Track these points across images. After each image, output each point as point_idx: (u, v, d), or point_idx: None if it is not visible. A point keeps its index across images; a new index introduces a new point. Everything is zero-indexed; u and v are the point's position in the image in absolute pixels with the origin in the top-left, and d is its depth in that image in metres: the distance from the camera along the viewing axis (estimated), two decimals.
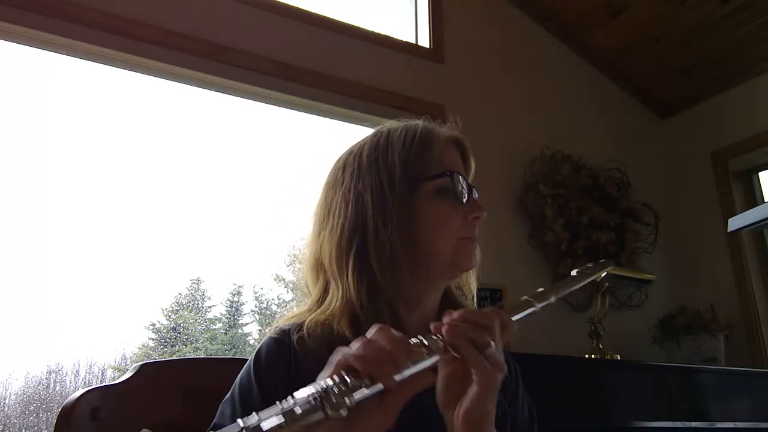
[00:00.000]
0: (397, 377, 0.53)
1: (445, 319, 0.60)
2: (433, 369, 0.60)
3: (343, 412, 0.49)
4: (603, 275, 0.79)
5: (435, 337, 0.59)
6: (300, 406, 0.48)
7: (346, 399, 0.50)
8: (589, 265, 0.81)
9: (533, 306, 0.68)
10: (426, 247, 0.76)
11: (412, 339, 0.57)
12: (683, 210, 3.12)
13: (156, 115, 2.22)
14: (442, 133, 0.83)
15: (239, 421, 0.45)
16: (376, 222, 0.75)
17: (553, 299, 0.72)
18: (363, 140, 0.85)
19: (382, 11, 2.68)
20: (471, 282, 0.86)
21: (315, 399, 0.50)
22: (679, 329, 2.54)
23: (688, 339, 2.51)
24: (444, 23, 2.69)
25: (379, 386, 0.52)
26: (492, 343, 0.61)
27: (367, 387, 0.52)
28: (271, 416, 0.47)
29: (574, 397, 1.78)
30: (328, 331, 0.73)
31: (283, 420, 0.47)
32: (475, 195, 0.81)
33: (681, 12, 2.75)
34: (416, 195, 0.77)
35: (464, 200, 0.78)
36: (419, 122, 0.84)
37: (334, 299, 0.76)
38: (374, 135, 0.84)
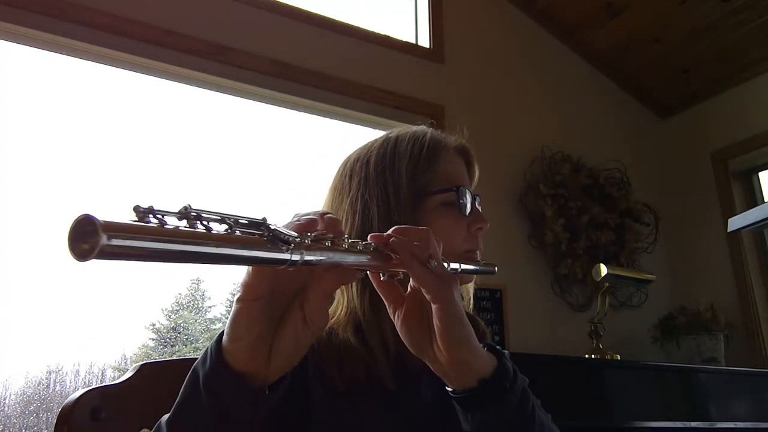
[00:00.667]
0: (327, 255, 0.48)
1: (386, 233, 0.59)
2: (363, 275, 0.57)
3: (295, 257, 0.43)
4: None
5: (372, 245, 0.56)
6: (243, 226, 0.40)
7: (299, 244, 0.43)
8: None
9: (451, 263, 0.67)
10: None
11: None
12: (683, 210, 3.12)
13: (156, 115, 2.22)
14: (449, 143, 0.83)
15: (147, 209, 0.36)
16: None
17: (459, 268, 0.70)
18: (371, 146, 0.84)
19: (382, 11, 2.68)
20: (469, 285, 0.86)
21: (263, 227, 0.41)
22: (679, 329, 2.55)
23: (688, 339, 2.51)
24: (444, 23, 2.69)
25: (327, 256, 0.47)
26: (433, 257, 0.59)
27: (311, 245, 0.46)
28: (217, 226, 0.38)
29: (574, 397, 1.78)
30: (334, 336, 0.74)
31: (226, 227, 0.39)
32: (479, 205, 0.81)
33: (681, 12, 2.75)
34: (421, 208, 0.77)
35: (468, 212, 0.79)
36: (427, 131, 0.84)
37: (340, 308, 0.77)
38: (382, 143, 0.83)
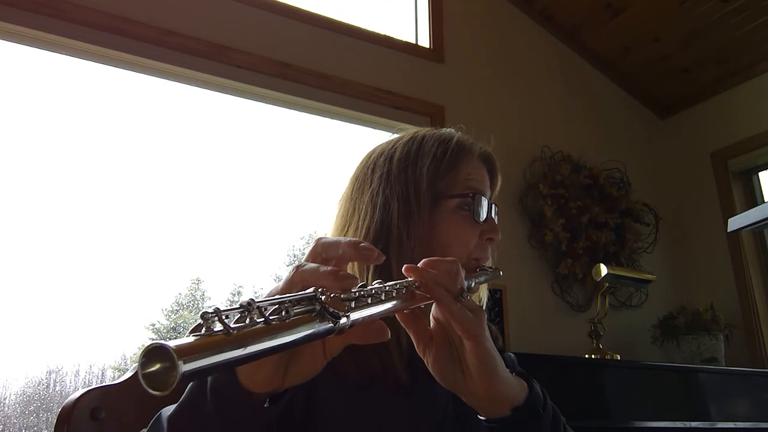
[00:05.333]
0: (367, 313, 0.48)
1: (420, 265, 0.59)
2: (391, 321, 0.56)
3: (345, 322, 0.44)
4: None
5: (404, 284, 0.56)
6: (295, 304, 0.42)
7: (347, 308, 0.45)
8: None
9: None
10: None
11: (375, 284, 0.53)
12: (683, 210, 3.12)
13: (156, 115, 2.22)
14: (474, 150, 0.83)
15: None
16: (400, 233, 0.76)
17: (473, 284, 0.72)
18: (396, 141, 0.85)
19: (382, 11, 2.68)
20: (482, 293, 0.86)
21: (315, 300, 0.43)
22: (679, 329, 2.54)
23: (688, 339, 2.51)
24: (444, 23, 2.69)
25: (366, 314, 0.48)
26: (464, 290, 0.60)
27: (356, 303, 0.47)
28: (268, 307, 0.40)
29: (574, 397, 1.78)
30: None
31: (280, 315, 0.40)
32: (495, 215, 0.81)
33: (681, 12, 2.75)
34: (438, 209, 0.78)
35: (482, 220, 0.79)
36: (455, 135, 0.84)
37: None
38: (408, 140, 0.84)
